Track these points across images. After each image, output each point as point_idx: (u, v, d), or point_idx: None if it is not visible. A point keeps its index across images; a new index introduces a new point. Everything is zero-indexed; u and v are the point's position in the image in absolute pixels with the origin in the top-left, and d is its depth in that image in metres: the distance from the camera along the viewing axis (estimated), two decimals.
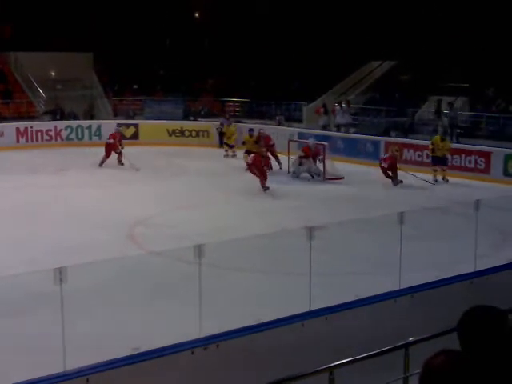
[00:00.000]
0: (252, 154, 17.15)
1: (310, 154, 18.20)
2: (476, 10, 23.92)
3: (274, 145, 19.73)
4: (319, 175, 18.03)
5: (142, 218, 13.61)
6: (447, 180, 17.59)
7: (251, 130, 20.69)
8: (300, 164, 18.36)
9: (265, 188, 16.13)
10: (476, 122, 21.86)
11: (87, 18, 28.78)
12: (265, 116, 26.93)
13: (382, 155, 18.87)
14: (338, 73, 26.71)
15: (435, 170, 17.72)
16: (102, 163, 19.81)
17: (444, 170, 17.71)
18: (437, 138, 18.18)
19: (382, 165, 17.47)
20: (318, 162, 18.33)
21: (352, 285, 8.99)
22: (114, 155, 19.92)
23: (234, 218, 13.65)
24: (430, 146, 17.87)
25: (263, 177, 16.34)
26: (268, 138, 20.00)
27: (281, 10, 29.51)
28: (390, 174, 17.25)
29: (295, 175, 18.29)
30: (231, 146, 22.72)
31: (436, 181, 17.56)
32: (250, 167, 16.68)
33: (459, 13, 24.50)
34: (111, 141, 20.07)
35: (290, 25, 28.87)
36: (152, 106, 27.72)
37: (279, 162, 19.43)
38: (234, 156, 22.36)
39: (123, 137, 22.11)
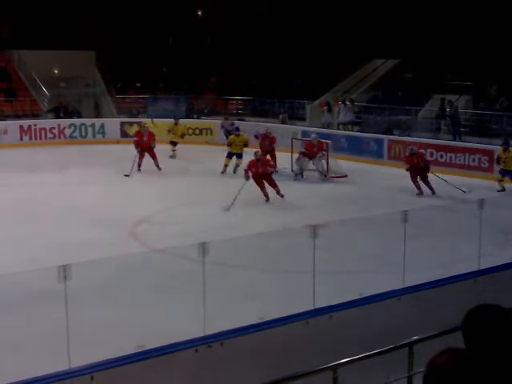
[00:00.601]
0: (246, 166, 15.45)
1: (313, 150, 18.06)
2: (478, 8, 23.86)
3: (274, 148, 19.04)
4: (324, 175, 17.93)
5: (144, 215, 13.61)
6: None
7: (237, 129, 20.43)
8: (298, 159, 18.17)
9: (267, 198, 15.09)
10: (479, 121, 21.80)
11: (89, 16, 28.74)
12: (268, 114, 26.89)
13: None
14: (340, 71, 26.65)
15: (500, 180, 16.21)
16: (138, 166, 18.55)
17: None
18: (500, 148, 16.68)
19: (406, 168, 16.11)
20: (322, 159, 18.17)
21: (356, 283, 8.97)
22: (149, 160, 18.68)
23: (237, 216, 13.61)
24: (496, 158, 16.75)
25: (266, 185, 15.14)
26: (273, 139, 19.15)
27: (283, 8, 29.45)
28: (414, 181, 15.89)
29: (298, 177, 18.00)
30: (175, 144, 21.74)
31: (503, 189, 16.05)
32: (257, 181, 15.07)
33: (461, 11, 24.45)
34: (136, 138, 19.08)
35: (293, 22, 28.80)
36: (155, 104, 27.74)
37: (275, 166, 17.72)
38: (172, 156, 21.39)
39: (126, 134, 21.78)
